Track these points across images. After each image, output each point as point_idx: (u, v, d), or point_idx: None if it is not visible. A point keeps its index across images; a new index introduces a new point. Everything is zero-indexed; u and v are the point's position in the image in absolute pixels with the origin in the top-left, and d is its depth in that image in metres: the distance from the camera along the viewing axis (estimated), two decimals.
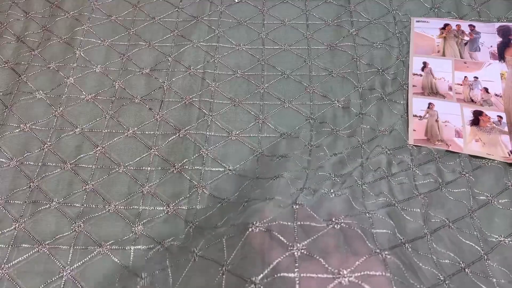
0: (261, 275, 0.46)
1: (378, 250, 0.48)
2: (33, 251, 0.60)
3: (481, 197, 0.64)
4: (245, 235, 0.50)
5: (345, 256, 0.47)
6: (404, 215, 0.59)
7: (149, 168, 0.69)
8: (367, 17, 0.88)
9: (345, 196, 0.57)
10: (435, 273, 0.53)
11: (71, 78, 0.78)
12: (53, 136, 0.72)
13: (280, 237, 0.49)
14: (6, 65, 0.80)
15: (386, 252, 0.48)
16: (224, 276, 0.49)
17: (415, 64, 0.80)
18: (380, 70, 0.79)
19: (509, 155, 0.68)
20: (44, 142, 0.71)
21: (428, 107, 0.74)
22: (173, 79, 0.79)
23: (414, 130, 0.72)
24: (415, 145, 0.70)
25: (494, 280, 0.56)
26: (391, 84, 0.77)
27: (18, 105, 0.75)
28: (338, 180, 0.62)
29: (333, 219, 0.51)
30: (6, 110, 0.74)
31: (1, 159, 0.69)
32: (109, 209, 0.65)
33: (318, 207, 0.53)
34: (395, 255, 0.49)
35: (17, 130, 0.72)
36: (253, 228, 0.50)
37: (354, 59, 0.81)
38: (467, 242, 0.59)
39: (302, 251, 0.48)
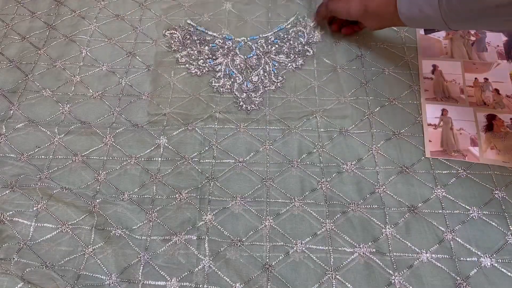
0: None
1: None
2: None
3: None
4: None
5: None
6: None
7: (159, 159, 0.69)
8: None
9: None
10: None
11: (77, 77, 0.78)
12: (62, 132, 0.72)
13: None
14: (11, 64, 0.80)
15: None
16: None
17: (425, 67, 0.79)
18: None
19: None
20: (52, 138, 0.71)
21: (442, 114, 0.73)
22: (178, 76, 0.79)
23: (430, 141, 0.70)
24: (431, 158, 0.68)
25: None
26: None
27: (25, 104, 0.74)
28: None
29: None
30: (13, 108, 0.74)
31: (11, 154, 0.69)
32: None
33: None
34: None
35: (22, 125, 0.72)
36: None
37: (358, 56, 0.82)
38: None
39: None
